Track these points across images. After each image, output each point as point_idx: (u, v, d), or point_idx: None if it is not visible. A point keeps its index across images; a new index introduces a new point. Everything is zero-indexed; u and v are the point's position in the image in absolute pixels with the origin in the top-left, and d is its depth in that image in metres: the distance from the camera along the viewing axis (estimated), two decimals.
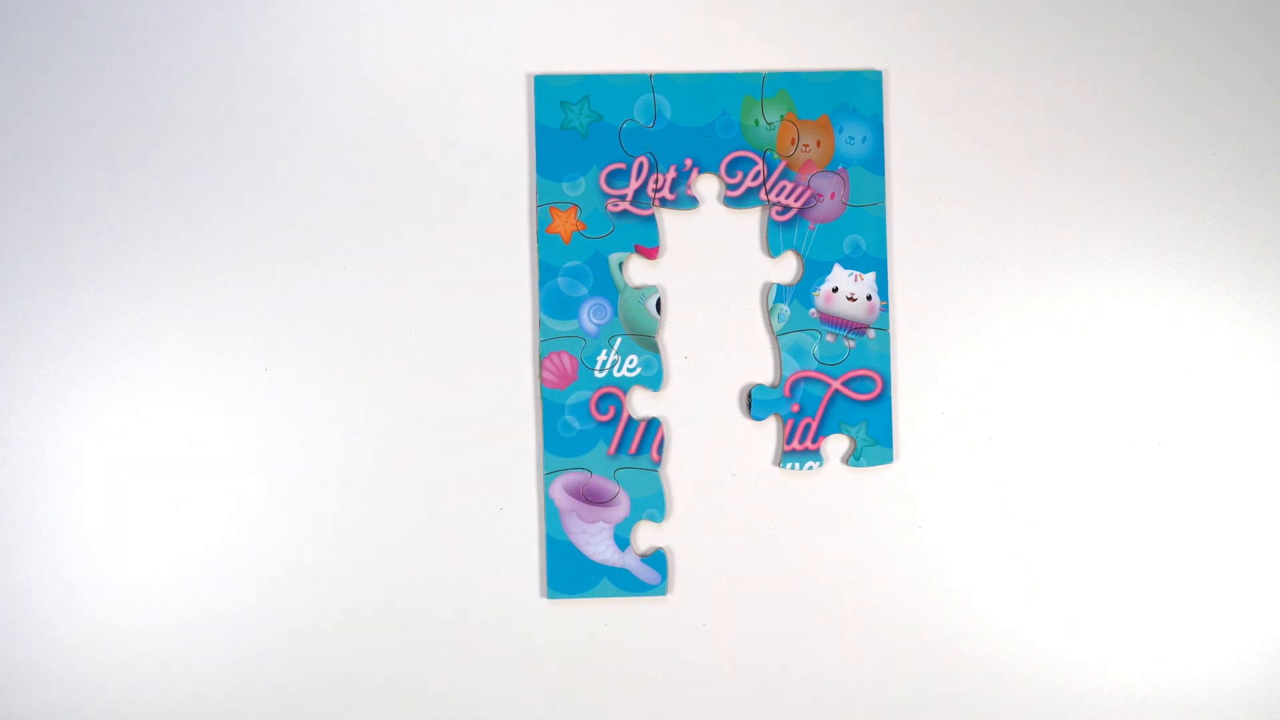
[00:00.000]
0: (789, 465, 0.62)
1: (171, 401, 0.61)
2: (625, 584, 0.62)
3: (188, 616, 0.61)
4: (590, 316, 0.62)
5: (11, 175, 0.61)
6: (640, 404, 0.62)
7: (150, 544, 0.61)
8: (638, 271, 0.62)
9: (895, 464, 0.62)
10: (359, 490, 0.62)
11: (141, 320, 0.61)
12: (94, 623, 0.61)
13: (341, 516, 0.61)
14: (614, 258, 0.62)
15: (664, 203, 0.62)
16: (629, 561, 0.62)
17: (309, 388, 0.61)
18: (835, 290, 0.62)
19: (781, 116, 0.62)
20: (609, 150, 0.62)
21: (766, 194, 0.62)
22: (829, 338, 0.62)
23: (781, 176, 0.62)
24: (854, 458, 0.62)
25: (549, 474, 0.62)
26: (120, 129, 0.61)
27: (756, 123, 0.62)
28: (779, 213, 0.62)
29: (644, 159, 0.62)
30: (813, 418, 0.62)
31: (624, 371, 0.62)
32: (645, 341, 0.62)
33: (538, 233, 0.62)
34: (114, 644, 0.61)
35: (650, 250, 0.62)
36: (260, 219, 0.62)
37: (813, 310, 0.62)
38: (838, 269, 0.62)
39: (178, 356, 0.61)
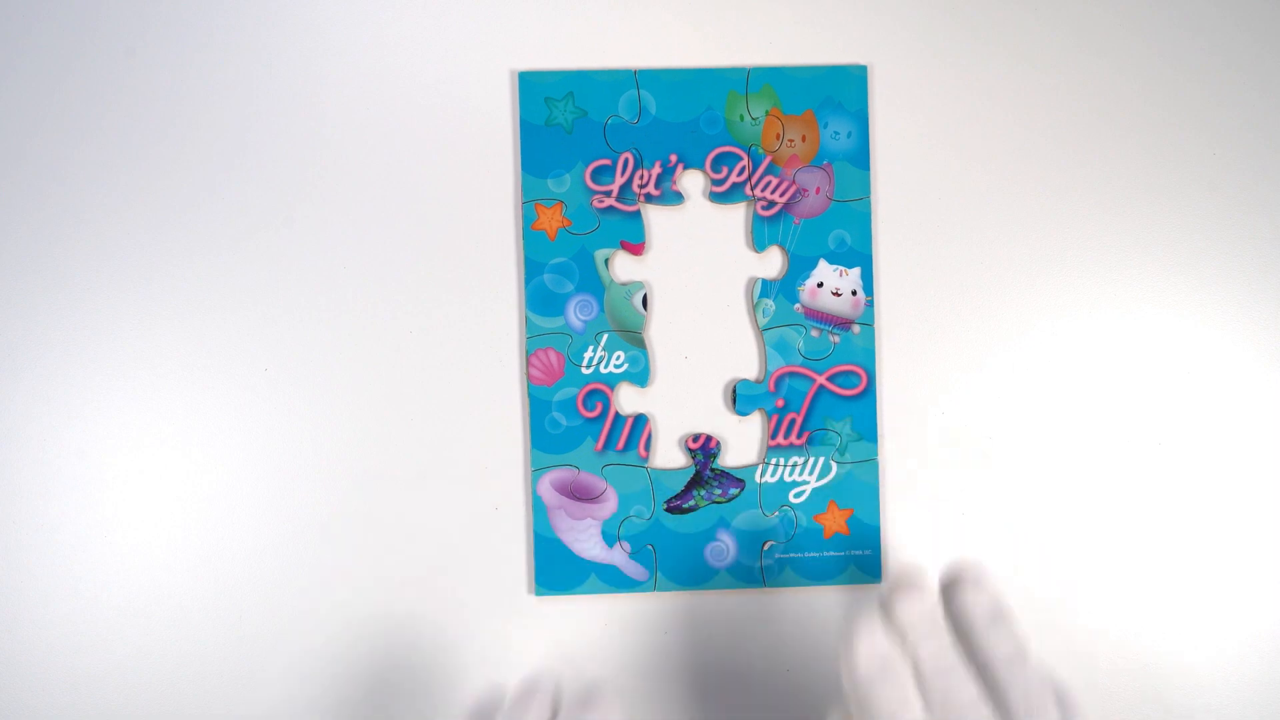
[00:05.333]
0: (773, 460, 0.62)
1: (171, 401, 0.62)
2: (613, 580, 0.62)
3: (186, 613, 0.61)
4: (577, 313, 0.62)
5: (12, 175, 0.61)
6: (627, 400, 0.62)
7: (150, 542, 0.61)
8: (624, 268, 0.63)
9: (880, 459, 0.62)
10: (352, 488, 0.62)
11: (141, 321, 0.62)
12: (94, 622, 0.61)
13: (334, 514, 0.62)
14: (600, 254, 0.62)
15: (649, 199, 0.62)
16: (617, 558, 0.62)
17: (307, 387, 0.62)
18: (820, 285, 0.62)
19: (766, 112, 0.62)
20: (594, 146, 0.62)
21: (751, 189, 0.62)
22: (814, 333, 0.62)
23: (767, 172, 0.62)
24: (839, 452, 0.62)
25: (536, 471, 0.62)
26: (119, 129, 0.62)
27: (741, 118, 0.62)
28: (764, 208, 0.62)
29: (629, 155, 0.62)
30: (798, 413, 0.62)
31: (611, 368, 0.62)
32: (632, 338, 0.62)
33: (523, 229, 0.62)
34: (114, 643, 0.61)
35: (636, 246, 0.62)
36: (258, 219, 0.62)
37: (798, 305, 0.62)
38: (823, 264, 0.62)
39: (177, 357, 0.62)
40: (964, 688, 0.45)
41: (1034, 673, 0.46)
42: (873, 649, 0.47)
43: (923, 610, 0.47)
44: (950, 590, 0.48)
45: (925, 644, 0.46)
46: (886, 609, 0.48)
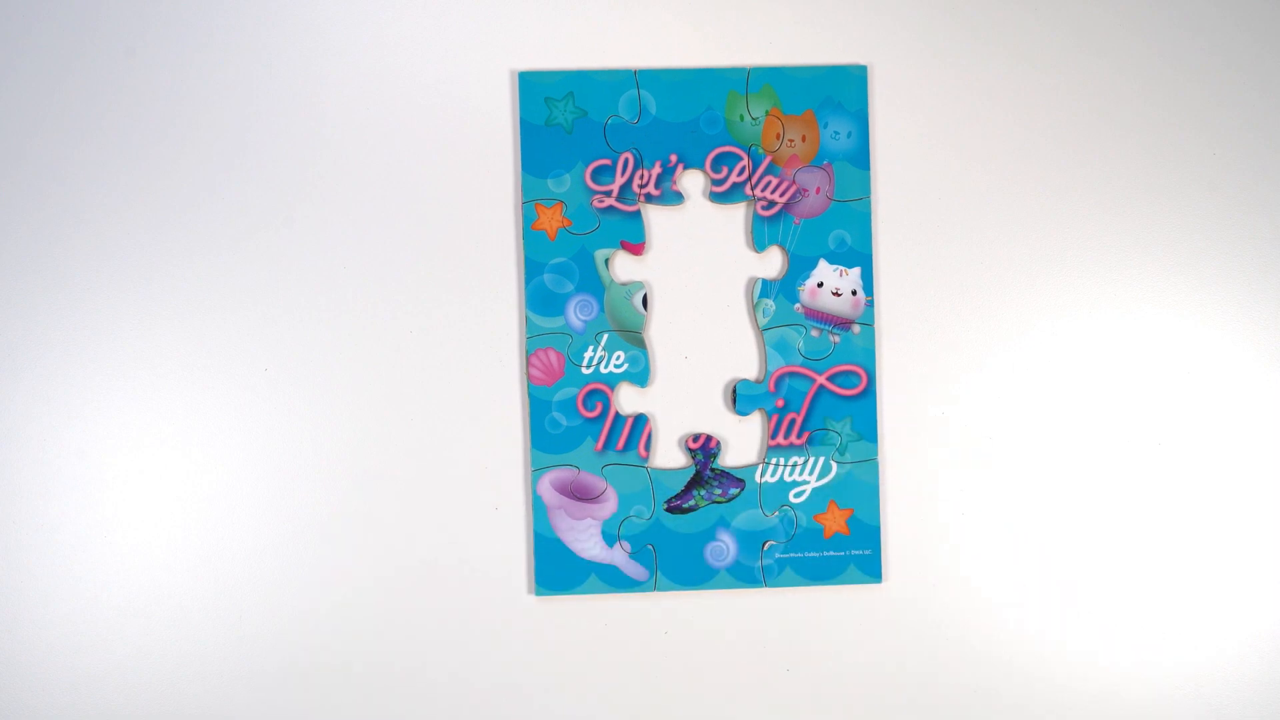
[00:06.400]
0: (773, 460, 0.62)
1: (171, 401, 0.62)
2: (613, 580, 0.62)
3: (186, 613, 0.61)
4: (577, 313, 0.62)
5: (12, 175, 0.61)
6: (627, 400, 0.62)
7: (150, 542, 0.61)
8: (624, 267, 0.63)
9: (880, 458, 0.62)
10: (352, 488, 0.62)
11: (141, 321, 0.62)
12: (94, 622, 0.61)
13: (334, 514, 0.62)
14: (600, 254, 0.62)
15: (649, 198, 0.62)
16: (617, 558, 0.62)
17: (307, 387, 0.62)
18: (820, 285, 0.62)
19: (766, 111, 0.62)
20: (594, 146, 0.62)
21: (752, 189, 0.62)
22: (814, 333, 0.62)
23: (767, 172, 0.62)
24: (839, 452, 0.62)
25: (537, 471, 0.62)
26: (120, 129, 0.62)
27: (741, 118, 0.62)
28: (764, 208, 0.62)
29: (629, 155, 0.62)
30: (798, 413, 0.62)
31: (611, 368, 0.62)
32: (632, 338, 0.62)
33: (523, 229, 0.62)
34: (114, 643, 0.61)
35: (636, 246, 0.62)
36: (258, 219, 0.62)
37: (798, 305, 0.62)
38: (823, 264, 0.62)
39: (177, 357, 0.62)
40: None
41: None
42: None
43: None
44: None
45: None
46: None
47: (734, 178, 0.62)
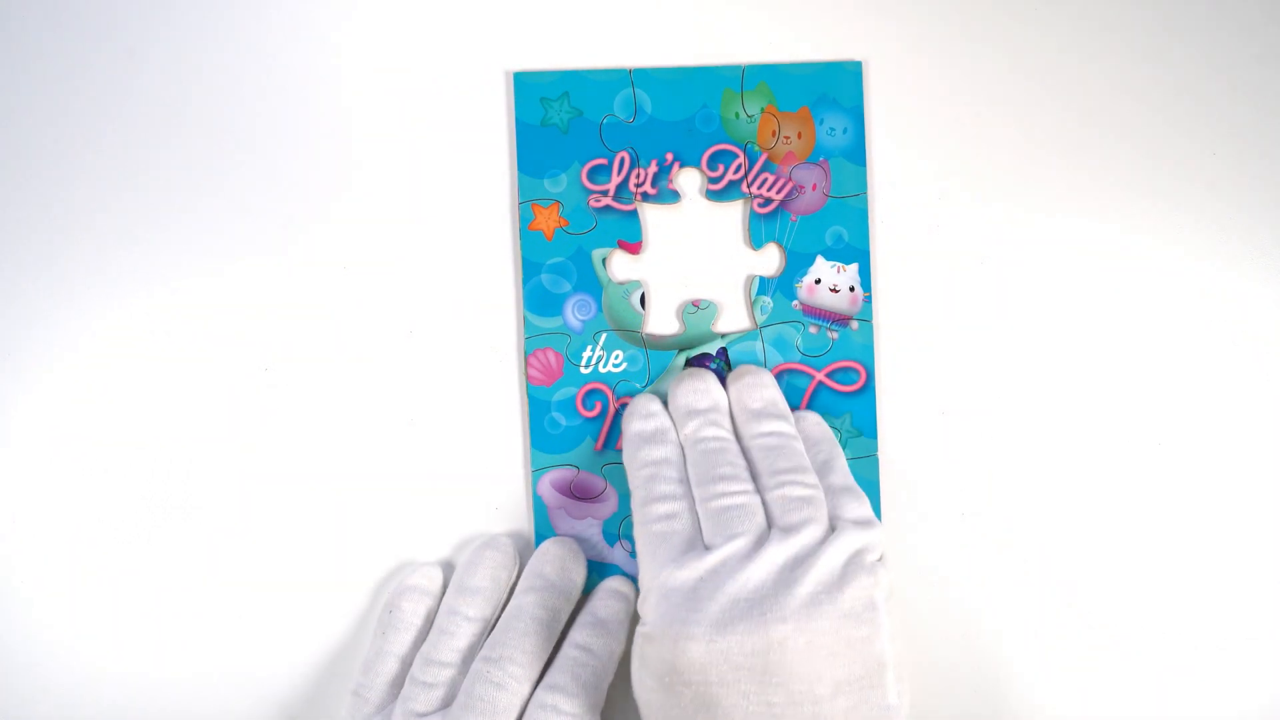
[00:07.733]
0: None
1: (170, 401, 0.62)
2: None
3: (187, 615, 0.62)
4: (575, 313, 0.62)
5: (9, 174, 0.62)
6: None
7: (149, 543, 0.62)
8: (621, 267, 0.63)
9: (879, 455, 0.62)
10: (352, 489, 0.62)
11: (140, 321, 0.62)
12: (94, 622, 0.61)
13: (334, 515, 0.62)
14: (597, 253, 0.62)
15: (646, 197, 0.62)
16: (617, 557, 0.62)
17: (307, 387, 0.62)
18: (818, 282, 0.62)
19: (762, 109, 0.62)
20: (590, 146, 0.62)
21: (748, 187, 0.62)
22: (812, 329, 0.62)
23: (763, 169, 0.62)
24: None
25: (537, 471, 0.62)
26: (119, 128, 0.62)
27: (737, 115, 0.62)
28: (761, 205, 0.62)
29: (625, 154, 0.62)
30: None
31: (609, 367, 0.62)
32: (630, 337, 0.62)
33: (520, 230, 0.62)
34: (114, 643, 0.61)
35: (633, 245, 0.62)
36: (256, 219, 0.62)
37: (795, 302, 0.62)
38: (820, 261, 0.62)
39: (176, 356, 0.62)
40: (723, 461, 0.53)
41: (793, 452, 0.55)
42: (649, 417, 0.57)
43: (702, 398, 0.57)
44: (731, 381, 0.58)
45: (696, 422, 0.56)
46: (670, 392, 0.58)
47: (730, 175, 0.62)
